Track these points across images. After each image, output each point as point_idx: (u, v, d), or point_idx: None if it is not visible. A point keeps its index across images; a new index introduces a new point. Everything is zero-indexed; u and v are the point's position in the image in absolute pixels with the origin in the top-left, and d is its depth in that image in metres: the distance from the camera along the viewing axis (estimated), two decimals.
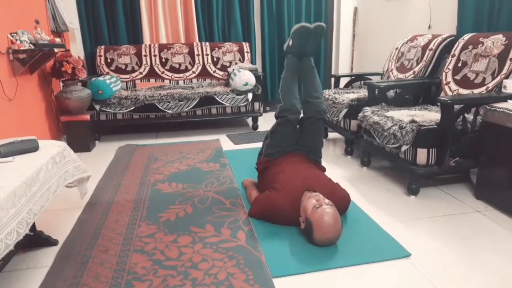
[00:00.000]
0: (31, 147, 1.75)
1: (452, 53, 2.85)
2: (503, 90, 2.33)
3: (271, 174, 2.18)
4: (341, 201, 2.01)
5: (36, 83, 3.26)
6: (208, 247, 1.80)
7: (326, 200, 1.82)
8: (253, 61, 4.69)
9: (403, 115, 2.51)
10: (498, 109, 2.06)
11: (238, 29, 4.70)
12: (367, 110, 2.77)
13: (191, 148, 3.44)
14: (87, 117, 3.51)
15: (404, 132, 2.28)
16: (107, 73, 4.20)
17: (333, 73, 5.12)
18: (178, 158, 3.16)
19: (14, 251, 1.63)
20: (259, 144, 2.60)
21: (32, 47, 2.85)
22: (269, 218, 2.01)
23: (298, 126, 2.38)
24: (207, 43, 4.53)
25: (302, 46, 2.35)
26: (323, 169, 2.36)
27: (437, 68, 3.04)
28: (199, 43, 4.51)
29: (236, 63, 4.45)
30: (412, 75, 3.13)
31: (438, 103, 2.27)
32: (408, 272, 1.61)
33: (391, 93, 3.08)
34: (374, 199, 2.34)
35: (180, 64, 4.42)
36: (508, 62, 2.39)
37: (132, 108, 3.75)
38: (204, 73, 4.46)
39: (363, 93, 3.21)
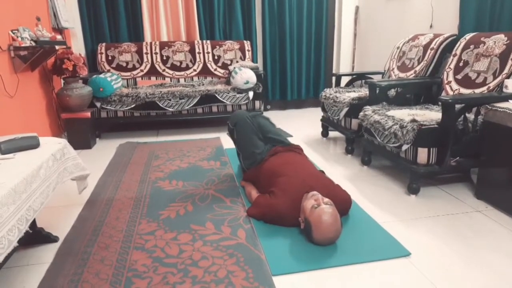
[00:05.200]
0: (32, 144, 1.75)
1: (453, 52, 2.84)
2: (504, 90, 2.33)
3: (268, 178, 2.16)
4: (342, 203, 1.99)
5: (37, 80, 3.25)
6: (208, 244, 1.80)
7: (325, 199, 1.80)
8: (254, 60, 4.69)
9: (404, 114, 2.51)
10: (499, 109, 2.06)
11: (239, 27, 4.69)
12: (368, 109, 2.77)
13: (192, 146, 3.44)
14: (88, 114, 3.51)
15: (404, 131, 2.28)
16: (108, 71, 4.20)
17: (334, 72, 5.12)
18: (179, 156, 3.16)
19: (14, 247, 1.64)
20: None
21: (33, 44, 2.85)
22: (269, 221, 1.99)
23: None
24: (208, 41, 4.52)
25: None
26: (301, 150, 2.49)
27: (439, 67, 3.03)
28: (200, 41, 4.50)
29: (237, 61, 4.44)
30: (413, 74, 3.13)
31: (439, 103, 2.27)
32: (408, 271, 1.61)
33: (392, 92, 3.07)
34: (374, 198, 2.34)
35: (181, 62, 4.42)
36: (510, 62, 2.39)
37: (132, 106, 3.75)
38: (205, 71, 4.46)
39: (364, 92, 3.21)
